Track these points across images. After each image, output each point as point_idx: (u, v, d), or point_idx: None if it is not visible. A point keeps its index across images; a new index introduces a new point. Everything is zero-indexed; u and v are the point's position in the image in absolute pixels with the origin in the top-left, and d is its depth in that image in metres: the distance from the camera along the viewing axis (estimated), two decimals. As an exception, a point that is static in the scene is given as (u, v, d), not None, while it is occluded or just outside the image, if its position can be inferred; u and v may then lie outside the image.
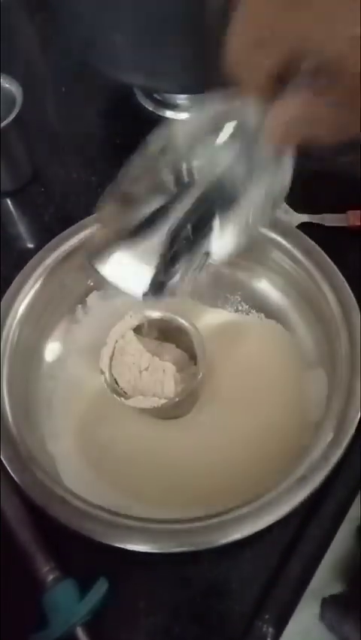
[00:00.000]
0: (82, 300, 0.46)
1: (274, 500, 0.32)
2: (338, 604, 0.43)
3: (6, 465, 0.35)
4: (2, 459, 0.35)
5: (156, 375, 0.40)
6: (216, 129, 0.31)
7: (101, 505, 0.35)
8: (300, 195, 0.52)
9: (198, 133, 0.32)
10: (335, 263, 0.41)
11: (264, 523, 0.32)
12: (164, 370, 0.40)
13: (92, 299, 0.46)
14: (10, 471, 0.35)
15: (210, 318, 0.45)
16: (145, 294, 0.32)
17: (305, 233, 0.42)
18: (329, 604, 0.44)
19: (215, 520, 0.33)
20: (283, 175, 0.31)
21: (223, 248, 0.32)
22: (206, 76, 0.54)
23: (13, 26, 0.71)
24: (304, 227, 0.49)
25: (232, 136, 0.31)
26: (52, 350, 0.44)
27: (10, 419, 0.37)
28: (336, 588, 0.51)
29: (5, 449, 0.35)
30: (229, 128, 0.31)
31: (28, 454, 0.36)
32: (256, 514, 0.32)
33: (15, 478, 0.35)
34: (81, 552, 0.35)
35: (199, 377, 0.39)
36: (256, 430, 0.40)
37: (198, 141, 0.32)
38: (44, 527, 0.37)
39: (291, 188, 0.52)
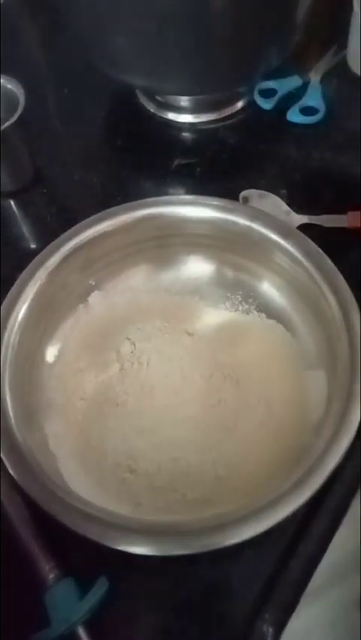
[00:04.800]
0: (83, 300, 0.46)
1: (274, 504, 0.32)
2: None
3: (7, 465, 0.35)
4: (3, 458, 0.35)
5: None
6: None
7: (101, 505, 0.35)
8: (300, 196, 0.53)
9: None
10: (335, 264, 0.41)
11: (264, 527, 0.32)
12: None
13: (94, 298, 0.46)
14: (11, 471, 0.35)
15: (211, 317, 0.45)
16: None
17: (305, 234, 0.42)
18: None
19: (215, 522, 0.33)
20: None
21: None
22: (208, 78, 0.55)
23: (15, 27, 0.71)
24: (303, 228, 0.49)
25: None
26: (53, 350, 0.44)
27: (12, 419, 0.37)
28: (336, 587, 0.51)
29: (6, 449, 0.35)
30: None
31: (30, 454, 0.36)
32: (256, 518, 0.32)
33: (16, 478, 0.35)
34: (82, 551, 0.35)
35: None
36: (256, 431, 0.40)
37: None
38: (45, 526, 0.38)
39: (291, 190, 0.53)
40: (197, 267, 0.47)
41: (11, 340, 0.40)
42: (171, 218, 0.45)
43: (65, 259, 0.44)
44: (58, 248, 0.44)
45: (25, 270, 0.43)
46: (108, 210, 0.45)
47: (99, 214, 0.45)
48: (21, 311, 0.41)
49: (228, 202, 0.44)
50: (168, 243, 0.46)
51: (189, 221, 0.44)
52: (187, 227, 0.45)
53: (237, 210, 0.43)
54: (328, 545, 0.37)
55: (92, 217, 0.45)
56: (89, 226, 0.44)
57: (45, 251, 0.44)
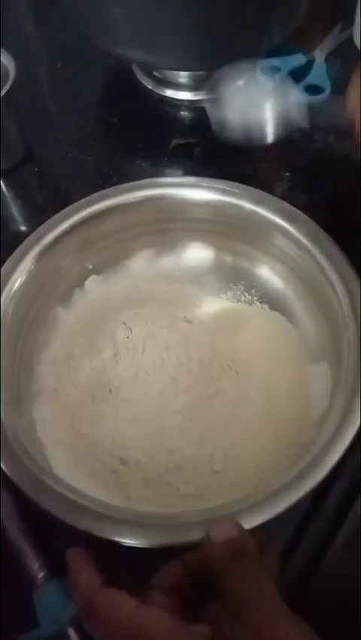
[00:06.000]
0: (80, 284, 0.44)
1: (272, 497, 0.31)
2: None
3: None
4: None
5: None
6: None
7: (90, 495, 0.33)
8: (303, 179, 0.51)
9: None
10: (343, 251, 0.39)
11: (261, 519, 0.30)
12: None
13: (91, 283, 0.45)
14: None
15: (212, 308, 0.44)
16: None
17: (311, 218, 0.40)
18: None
19: (210, 514, 0.31)
20: None
21: None
22: (207, 52, 0.52)
23: (7, -2, 0.69)
24: (309, 212, 0.47)
25: None
26: (46, 335, 0.42)
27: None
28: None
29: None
30: None
31: (17, 440, 0.34)
32: (253, 510, 0.30)
33: (2, 466, 0.33)
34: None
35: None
36: (255, 423, 0.39)
37: None
38: (34, 522, 0.36)
39: (294, 173, 0.51)
40: (198, 254, 0.45)
41: (1, 325, 0.38)
42: (173, 201, 0.43)
43: (60, 239, 0.42)
44: (49, 229, 0.42)
45: (18, 248, 0.41)
46: (107, 190, 0.43)
47: (97, 193, 0.43)
48: (12, 292, 0.40)
49: (232, 184, 0.42)
50: (169, 227, 0.44)
51: (192, 204, 0.43)
52: (189, 211, 0.43)
53: (241, 194, 0.41)
54: (331, 545, 0.36)
55: (89, 196, 0.43)
56: (87, 206, 0.42)
57: (36, 232, 0.42)
